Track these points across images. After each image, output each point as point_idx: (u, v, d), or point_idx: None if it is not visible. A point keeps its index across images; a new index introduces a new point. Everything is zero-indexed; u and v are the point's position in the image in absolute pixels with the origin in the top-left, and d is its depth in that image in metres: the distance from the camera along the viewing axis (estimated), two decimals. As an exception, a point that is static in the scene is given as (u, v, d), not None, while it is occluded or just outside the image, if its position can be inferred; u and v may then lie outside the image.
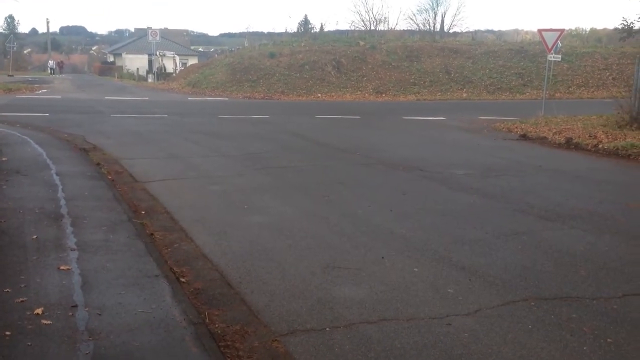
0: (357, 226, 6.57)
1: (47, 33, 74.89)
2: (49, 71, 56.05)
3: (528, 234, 6.31)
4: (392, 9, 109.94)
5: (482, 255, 5.58)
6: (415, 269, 5.15)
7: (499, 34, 75.21)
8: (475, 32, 66.84)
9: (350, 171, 10.04)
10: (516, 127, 16.40)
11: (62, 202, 6.87)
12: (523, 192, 8.44)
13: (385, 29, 59.30)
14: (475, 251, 5.69)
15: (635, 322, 4.12)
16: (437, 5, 64.97)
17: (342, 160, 11.15)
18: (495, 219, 7.00)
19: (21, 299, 4.07)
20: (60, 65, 62.39)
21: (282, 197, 7.94)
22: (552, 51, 18.72)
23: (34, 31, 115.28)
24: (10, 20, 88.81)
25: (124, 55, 64.35)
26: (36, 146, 10.83)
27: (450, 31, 61.87)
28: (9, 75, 42.65)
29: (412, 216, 7.05)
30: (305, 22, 70.48)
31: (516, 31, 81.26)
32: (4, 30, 61.72)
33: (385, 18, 63.64)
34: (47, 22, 73.36)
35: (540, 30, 19.22)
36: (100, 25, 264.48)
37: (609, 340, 3.83)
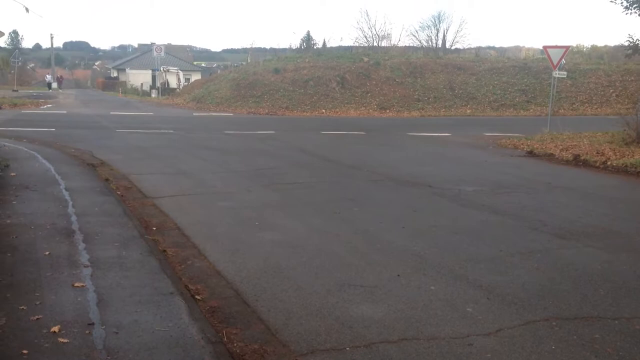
0: (370, 243, 6.52)
1: (51, 48, 75.36)
2: (47, 86, 55.95)
3: (543, 252, 6.25)
4: (394, 25, 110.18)
5: (499, 273, 5.53)
6: (432, 287, 5.09)
7: (501, 51, 75.68)
8: (478, 48, 67.09)
9: (359, 187, 10.00)
10: (522, 144, 16.38)
11: (73, 217, 6.83)
12: (534, 210, 8.39)
13: (388, 45, 59.59)
14: (491, 269, 5.63)
15: (659, 343, 4.05)
16: (440, 22, 65.55)
17: (350, 176, 11.12)
18: (508, 236, 6.94)
19: (37, 317, 4.02)
20: (59, 80, 62.19)
21: (292, 213, 7.89)
22: (557, 68, 18.77)
23: (37, 46, 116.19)
24: (15, 36, 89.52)
25: (127, 70, 64.71)
26: (44, 161, 10.82)
27: (452, 47, 62.19)
28: (13, 90, 42.82)
29: (425, 233, 7.00)
30: (308, 38, 70.90)
31: (517, 48, 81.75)
32: (8, 45, 61.99)
33: (388, 34, 63.77)
34: (51, 38, 74.27)
35: (545, 47, 19.29)
36: (103, 40, 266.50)
37: (634, 361, 3.77)
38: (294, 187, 9.82)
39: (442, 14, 65.78)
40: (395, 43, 61.47)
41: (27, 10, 7.73)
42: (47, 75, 61.84)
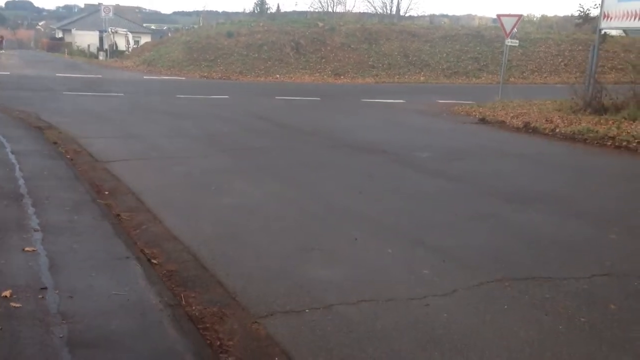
0: (327, 208, 6.54)
1: (-8, 6, 71.61)
2: None
3: (496, 217, 6.40)
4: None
5: (454, 237, 5.63)
6: (389, 251, 5.15)
7: (454, 19, 76.20)
8: (432, 16, 67.42)
9: (315, 153, 9.98)
10: (474, 111, 16.62)
11: (21, 181, 6.60)
12: (487, 176, 8.57)
13: (343, 11, 59.20)
14: (447, 234, 5.74)
15: (605, 302, 4.22)
16: (395, -12, 65.02)
17: (306, 142, 11.08)
18: (462, 202, 7.07)
19: (-14, 282, 3.88)
20: (0, 40, 58.95)
21: (248, 179, 7.82)
22: (509, 36, 19.01)
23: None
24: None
25: (73, 31, 62.17)
26: (-13, 124, 10.38)
27: (407, 15, 62.17)
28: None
29: (381, 199, 7.06)
30: (262, 3, 69.42)
31: (470, 16, 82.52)
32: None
33: (343, 0, 63.20)
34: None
35: (499, 15, 19.48)
36: (47, 0, 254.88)
37: (582, 319, 3.92)
38: (250, 153, 9.73)
39: (397, -20, 65.43)
40: (350, 9, 61.22)
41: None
42: None
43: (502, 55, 22.67)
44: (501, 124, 14.33)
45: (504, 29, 19.08)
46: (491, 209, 6.75)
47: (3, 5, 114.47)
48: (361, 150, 10.29)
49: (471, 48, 35.48)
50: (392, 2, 63.24)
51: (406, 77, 31.87)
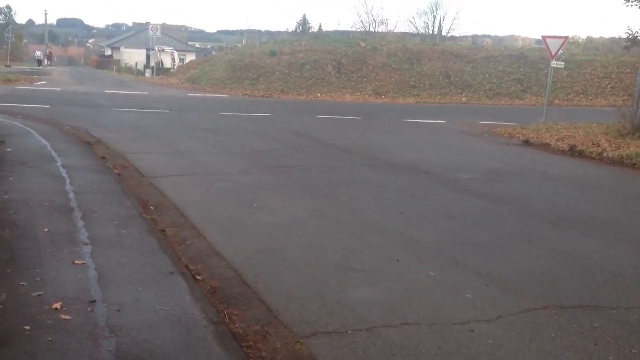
0: (369, 227, 6.53)
1: (45, 25, 74.39)
2: (37, 63, 54.91)
3: (540, 240, 6.28)
4: (391, 11, 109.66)
5: (497, 260, 5.55)
6: (432, 273, 5.11)
7: (497, 40, 75.63)
8: (474, 36, 67.07)
9: (356, 172, 9.99)
10: (518, 133, 16.39)
11: (72, 195, 6.79)
12: (531, 198, 8.42)
13: (385, 31, 59.34)
14: (490, 256, 5.66)
15: (657, 333, 4.09)
16: (437, 9, 65.02)
17: (347, 161, 11.11)
18: (506, 224, 6.97)
19: (38, 293, 4.00)
20: (49, 56, 60.78)
21: (290, 196, 7.88)
22: (555, 58, 18.75)
23: (30, 22, 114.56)
24: (8, 11, 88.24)
25: (122, 49, 64.10)
26: (40, 138, 10.73)
27: (449, 35, 61.96)
28: (6, 66, 42.39)
29: (423, 219, 7.02)
30: (305, 22, 70.35)
31: (513, 37, 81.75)
32: (1, 20, 61.00)
33: (385, 20, 63.50)
34: (45, 14, 73.28)
35: (544, 37, 19.25)
36: (97, 18, 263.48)
37: (633, 351, 3.80)
38: (291, 170, 9.80)
39: (439, 1, 65.36)
40: (393, 29, 61.27)
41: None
42: (37, 52, 60.49)
43: (546, 77, 22.37)
44: (546, 147, 14.10)
45: (549, 50, 18.82)
46: (536, 232, 6.63)
47: (55, 23, 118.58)
48: (402, 170, 10.26)
49: (514, 69, 35.11)
50: (434, 22, 63.08)
51: (448, 97, 31.67)
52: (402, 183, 9.23)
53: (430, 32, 61.86)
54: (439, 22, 63.15)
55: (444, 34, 61.79)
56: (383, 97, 31.07)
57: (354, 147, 12.82)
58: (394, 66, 34.35)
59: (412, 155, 12.14)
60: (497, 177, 9.97)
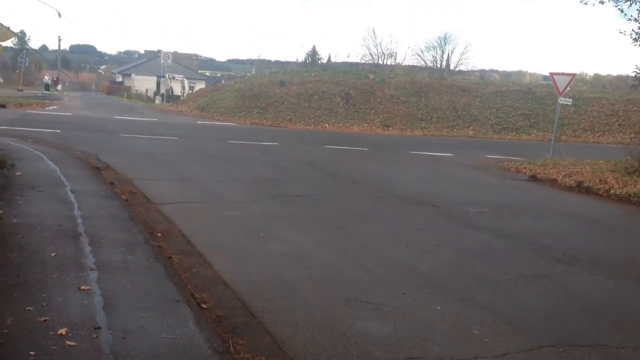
0: (375, 259, 6.51)
1: (58, 50, 75.59)
2: (44, 87, 55.48)
3: (548, 277, 6.24)
4: (400, 44, 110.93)
5: (504, 296, 5.51)
6: (438, 307, 5.07)
7: (504, 74, 76.18)
8: (482, 71, 67.58)
9: (363, 203, 10.00)
10: (524, 168, 16.40)
11: (79, 220, 6.82)
12: (539, 234, 8.39)
13: (394, 63, 59.96)
14: (497, 292, 5.63)
15: (667, 374, 4.04)
16: (445, 43, 65.52)
17: (354, 191, 11.13)
18: (513, 259, 6.94)
19: (43, 318, 3.99)
20: (55, 81, 61.37)
21: (297, 226, 7.89)
22: (562, 95, 18.85)
23: (44, 47, 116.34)
24: (22, 36, 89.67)
25: (133, 76, 64.92)
26: (50, 162, 10.81)
27: (457, 69, 62.52)
28: (18, 90, 42.91)
29: (430, 252, 7.00)
30: (314, 53, 71.25)
31: (520, 72, 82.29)
32: (15, 45, 61.93)
33: (393, 53, 64.07)
34: (59, 40, 74.63)
35: (552, 74, 19.39)
36: (109, 45, 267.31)
37: (642, 391, 3.75)
38: (299, 200, 9.82)
39: (448, 35, 66.08)
40: (401, 62, 61.91)
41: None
42: (45, 76, 61.15)
43: (553, 112, 22.49)
44: (552, 182, 14.09)
45: (557, 87, 18.94)
46: (543, 268, 6.59)
47: (68, 49, 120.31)
48: (409, 202, 10.26)
49: (522, 104, 35.31)
50: (442, 56, 63.75)
51: (455, 130, 31.82)
52: (409, 215, 9.23)
53: (438, 65, 62.51)
54: (447, 56, 63.81)
55: (451, 67, 62.41)
56: (390, 128, 31.24)
57: (362, 178, 12.85)
58: (401, 98, 34.61)
59: (419, 187, 12.15)
60: (504, 212, 9.95)
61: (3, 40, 19.07)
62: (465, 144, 25.68)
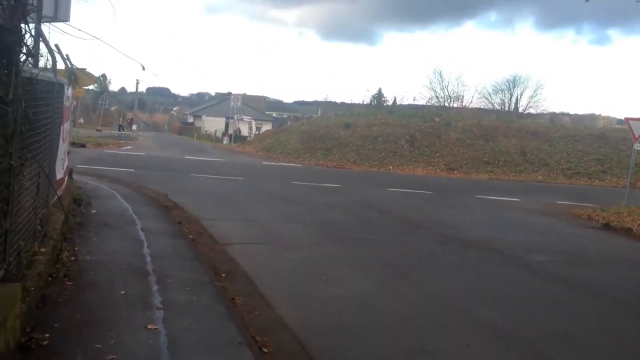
0: (439, 307, 6.38)
1: (135, 93, 79.59)
2: (117, 128, 58.12)
3: (626, 334, 5.93)
4: (467, 87, 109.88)
5: (577, 353, 5.27)
6: (504, 361, 4.90)
7: (576, 118, 73.99)
8: (552, 114, 65.95)
9: (426, 248, 9.86)
10: (597, 215, 15.77)
11: (148, 258, 7.04)
12: (613, 286, 8.01)
13: (460, 106, 59.50)
14: (571, 348, 5.39)
15: None
16: (514, 86, 64.56)
17: (418, 236, 11.00)
18: (584, 313, 6.64)
19: (111, 357, 4.11)
20: (130, 122, 64.43)
21: (360, 270, 7.85)
22: (638, 140, 18.13)
23: (122, 90, 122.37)
24: (103, 79, 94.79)
25: (203, 117, 67.18)
26: (123, 201, 11.26)
27: (526, 112, 61.30)
28: (97, 130, 45.12)
29: (495, 301, 6.80)
30: (379, 95, 71.64)
31: (593, 116, 79.74)
32: (96, 88, 65.53)
33: (460, 96, 63.55)
34: (137, 83, 77.99)
35: (627, 119, 18.73)
36: (183, 87, 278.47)
37: None
38: (361, 243, 9.79)
39: (517, 78, 64.98)
40: (467, 104, 61.33)
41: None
42: (121, 118, 64.44)
43: (628, 158, 21.64)
44: (627, 232, 13.46)
45: (632, 132, 18.24)
46: (620, 323, 6.27)
47: (144, 91, 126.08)
48: (474, 248, 10.03)
49: (594, 149, 34.19)
50: (510, 99, 62.77)
51: (523, 175, 31.07)
52: (474, 262, 9.02)
53: (507, 108, 61.49)
54: (515, 98, 62.76)
55: (520, 110, 61.27)
56: (455, 172, 30.84)
57: (425, 222, 12.70)
58: (467, 142, 34.22)
59: (485, 232, 11.88)
60: (575, 261, 9.57)
61: (87, 85, 20.26)
62: (533, 188, 24.99)
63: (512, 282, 7.86)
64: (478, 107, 61.22)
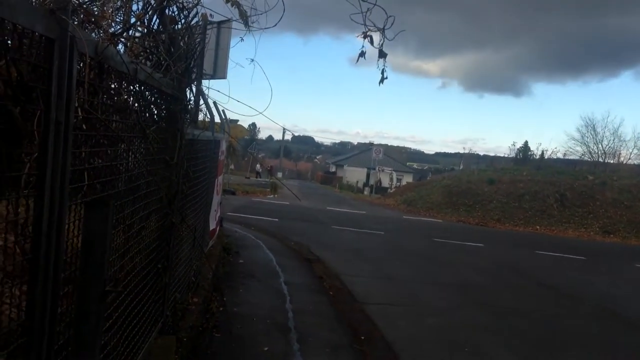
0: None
1: (282, 141, 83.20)
2: (256, 175, 60.71)
3: None
4: (625, 142, 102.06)
5: None
6: None
7: None
8: None
9: (581, 325, 9.10)
10: None
11: (290, 314, 7.21)
12: None
13: (616, 162, 55.34)
14: None
15: None
16: (681, 140, 59.03)
17: (570, 309, 10.22)
18: None
19: (254, 417, 4.21)
20: (270, 170, 67.10)
21: (505, 345, 7.42)
22: None
23: (270, 138, 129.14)
24: (253, 128, 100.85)
25: (345, 167, 68.72)
26: (268, 252, 11.71)
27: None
28: (246, 177, 47.76)
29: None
30: (525, 149, 68.88)
31: None
32: (246, 137, 69.88)
33: (617, 152, 59.21)
34: (283, 132, 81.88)
35: None
36: (326, 137, 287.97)
37: None
38: (506, 312, 9.28)
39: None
40: (625, 161, 56.91)
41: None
42: (257, 165, 67.36)
43: None
44: None
45: None
46: None
47: (289, 139, 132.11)
48: (637, 329, 9.10)
49: None
50: (676, 155, 57.29)
51: (695, 242, 27.97)
52: (635, 345, 8.17)
53: (672, 165, 56.16)
54: (682, 155, 57.19)
55: (688, 168, 55.65)
56: (611, 235, 28.51)
57: (578, 293, 11.78)
58: (626, 203, 31.60)
59: (648, 310, 10.76)
60: None
61: (240, 136, 21.64)
62: None
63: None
64: (637, 163, 56.58)
